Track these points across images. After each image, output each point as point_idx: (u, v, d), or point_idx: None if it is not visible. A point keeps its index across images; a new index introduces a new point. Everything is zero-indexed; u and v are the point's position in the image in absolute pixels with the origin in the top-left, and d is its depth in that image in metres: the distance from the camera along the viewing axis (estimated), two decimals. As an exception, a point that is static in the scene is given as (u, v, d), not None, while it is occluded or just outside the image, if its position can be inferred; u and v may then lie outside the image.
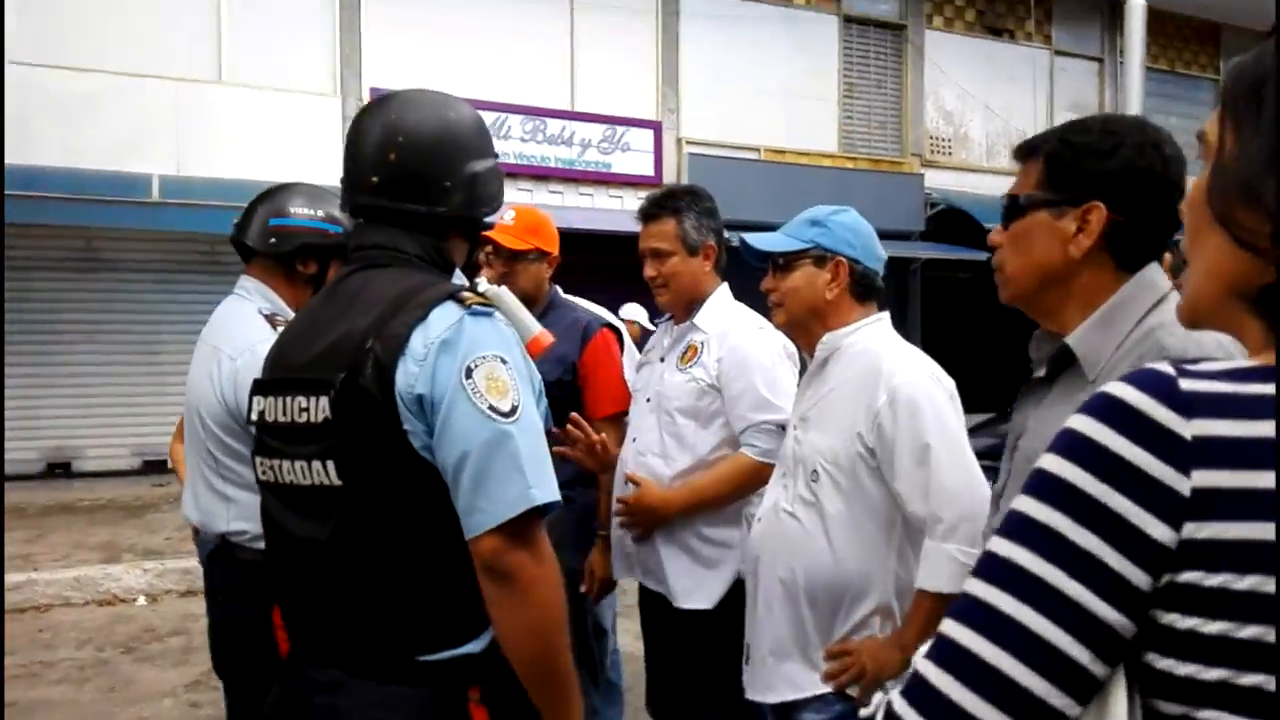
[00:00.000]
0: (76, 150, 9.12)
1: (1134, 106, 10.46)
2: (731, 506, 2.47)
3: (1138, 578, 0.64)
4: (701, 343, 2.51)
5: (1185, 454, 0.63)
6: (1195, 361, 0.68)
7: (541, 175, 11.31)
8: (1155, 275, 1.33)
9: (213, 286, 8.83)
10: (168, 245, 9.85)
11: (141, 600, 6.09)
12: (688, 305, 2.58)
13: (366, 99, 10.44)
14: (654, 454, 2.52)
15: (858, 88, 13.54)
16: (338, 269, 2.28)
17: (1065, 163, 1.33)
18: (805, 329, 2.11)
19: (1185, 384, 0.66)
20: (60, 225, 8.97)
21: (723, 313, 2.55)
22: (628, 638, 3.71)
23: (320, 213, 2.44)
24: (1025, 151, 1.40)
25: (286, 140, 10.06)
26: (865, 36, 13.59)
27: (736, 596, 2.30)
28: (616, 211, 11.42)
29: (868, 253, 2.10)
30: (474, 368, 1.35)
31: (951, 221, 13.08)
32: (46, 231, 9.11)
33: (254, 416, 1.54)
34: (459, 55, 10.90)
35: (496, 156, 1.65)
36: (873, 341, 2.03)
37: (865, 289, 2.09)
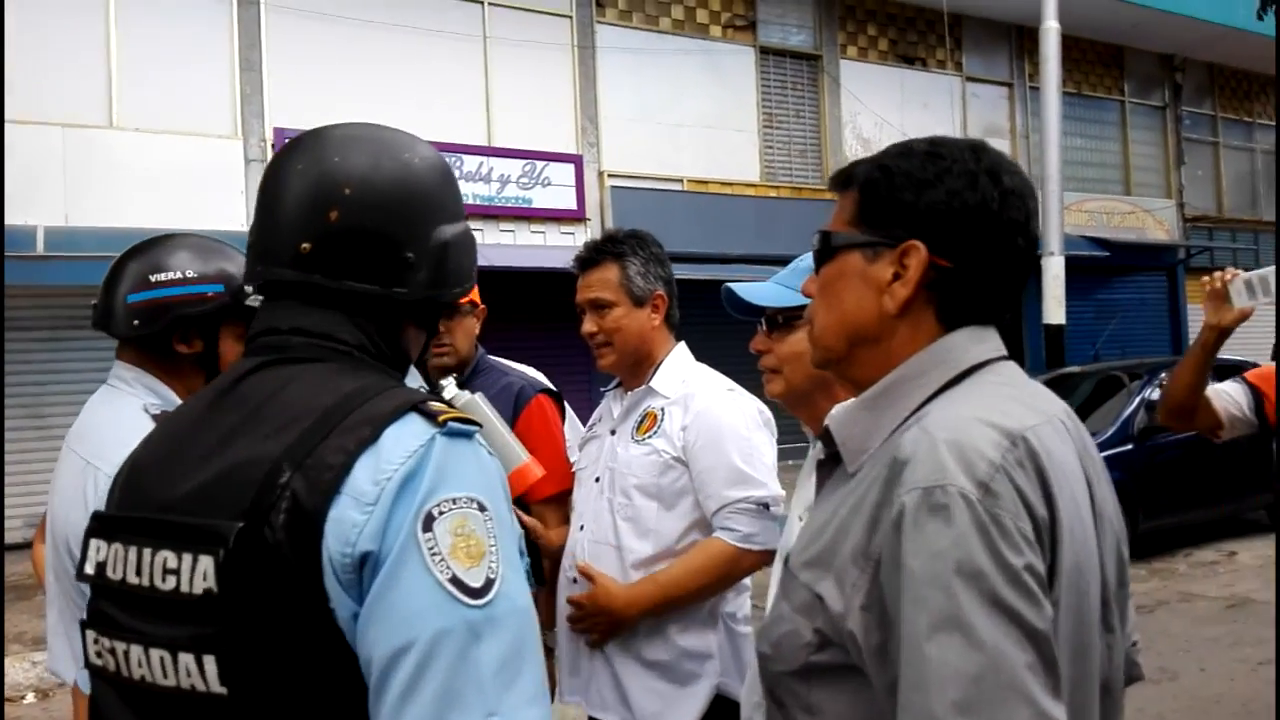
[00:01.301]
0: (-50, 201, 8.47)
1: (1051, 129, 10.58)
2: (705, 605, 2.09)
3: None
4: (661, 409, 2.15)
5: None
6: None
7: (459, 213, 10.92)
8: (962, 342, 1.05)
9: (104, 343, 8.08)
10: (55, 301, 9.18)
11: (30, 697, 5.46)
12: (634, 366, 2.22)
13: (270, 140, 10.01)
14: (608, 543, 2.12)
15: (777, 117, 13.54)
16: (233, 343, 1.81)
17: (881, 194, 1.07)
18: (809, 403, 1.70)
19: None
20: (-67, 282, 8.30)
21: (684, 374, 2.21)
22: None
23: (191, 272, 1.89)
24: (841, 181, 1.13)
25: (185, 186, 9.55)
26: (782, 67, 13.61)
27: None
28: (539, 247, 11.13)
29: None
30: (437, 515, 0.94)
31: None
32: (-81, 290, 8.42)
33: (88, 569, 1.05)
34: (368, 90, 10.50)
35: (466, 218, 1.24)
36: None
37: None
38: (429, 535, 0.93)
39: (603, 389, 2.35)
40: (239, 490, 0.96)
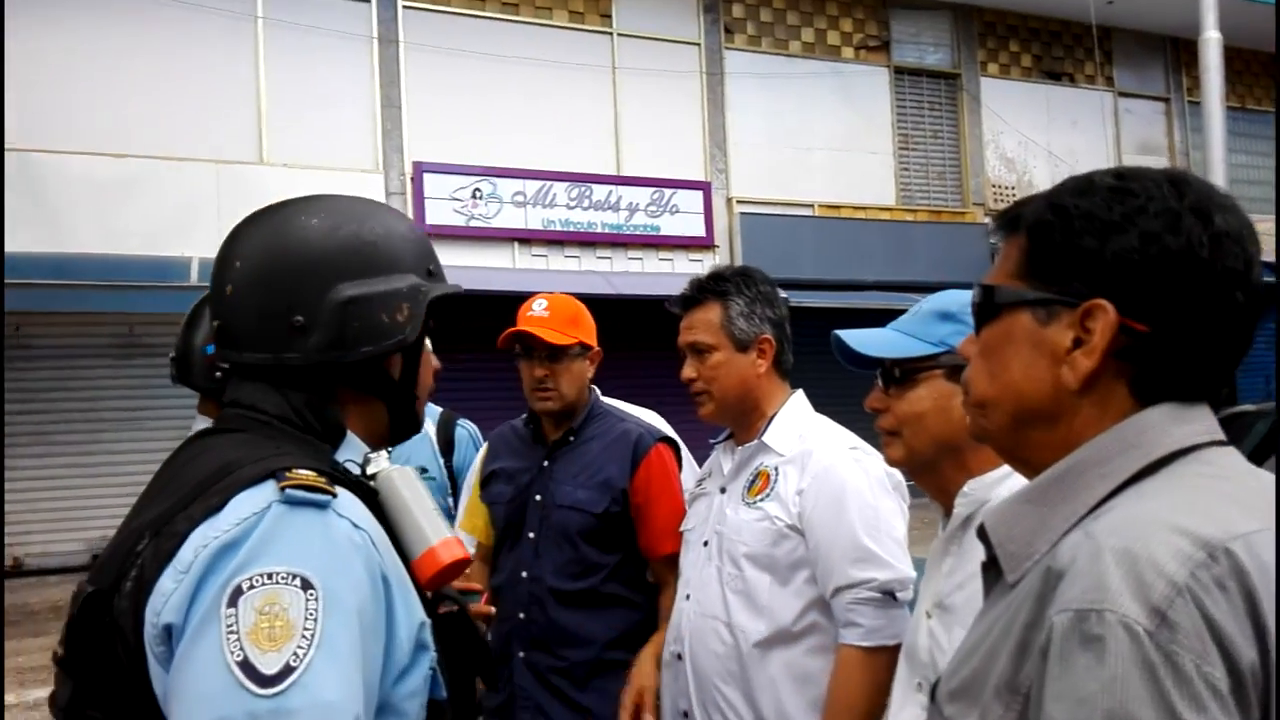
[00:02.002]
0: (115, 235, 9.02)
1: (1215, 146, 9.82)
2: None
3: None
4: (775, 468, 1.92)
5: None
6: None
7: (588, 241, 11.00)
8: (1160, 421, 0.82)
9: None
10: (210, 328, 9.66)
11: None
12: (741, 417, 2.02)
13: (409, 173, 10.30)
14: (716, 618, 1.90)
15: (913, 139, 13.11)
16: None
17: (1056, 240, 0.85)
18: (935, 472, 1.45)
19: None
20: (100, 312, 8.81)
21: (801, 428, 1.97)
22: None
23: None
24: (1007, 223, 0.92)
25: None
26: (918, 87, 13.19)
27: None
28: (667, 275, 11.06)
29: None
30: (246, 590, 0.87)
31: (1020, 272, 12.46)
32: (86, 319, 8.96)
33: None
34: (500, 124, 10.74)
35: (427, 274, 1.18)
36: None
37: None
38: (231, 611, 0.86)
39: (712, 440, 2.15)
40: (117, 557, 0.96)
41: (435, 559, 1.08)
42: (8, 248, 8.68)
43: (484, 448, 2.55)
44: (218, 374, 1.88)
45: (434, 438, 3.00)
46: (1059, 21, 13.90)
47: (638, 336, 10.42)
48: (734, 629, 1.87)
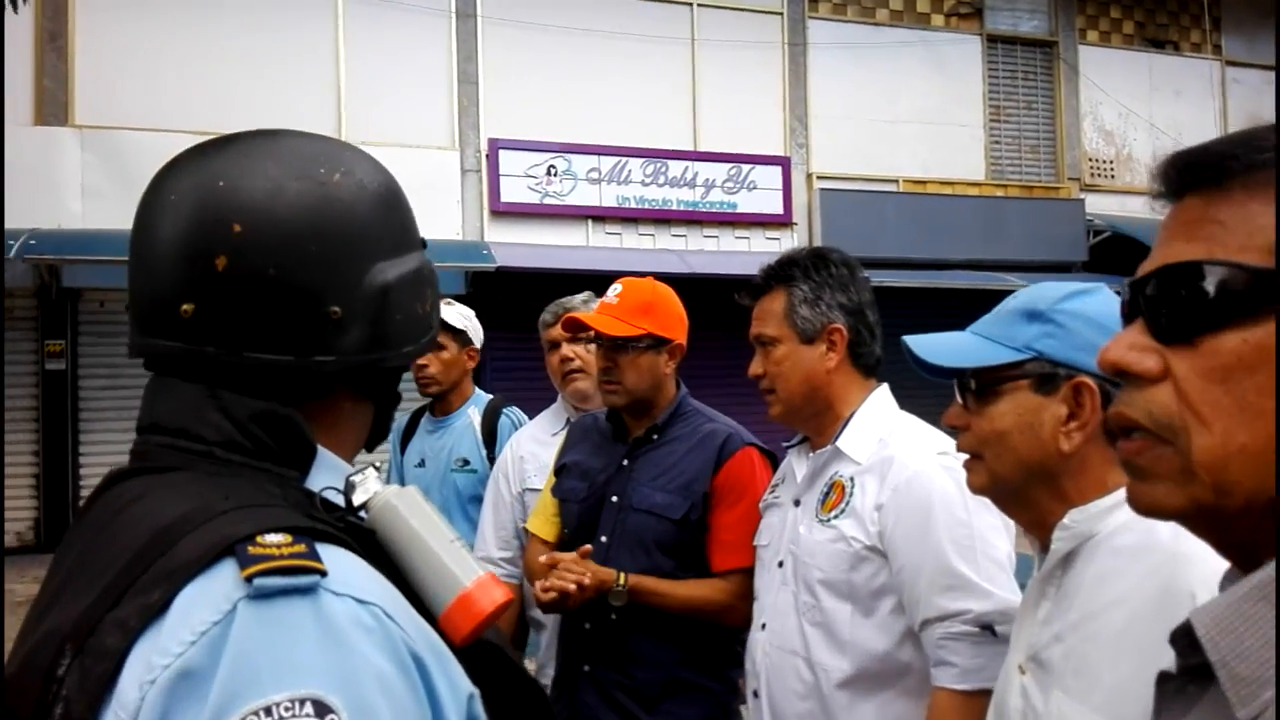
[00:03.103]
0: (199, 213, 9.14)
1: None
2: None
3: None
4: (851, 479, 1.67)
5: None
6: None
7: (663, 219, 10.79)
8: None
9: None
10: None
11: None
12: (814, 419, 1.77)
13: (484, 150, 10.22)
14: (795, 653, 1.67)
15: (1005, 110, 12.53)
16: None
17: None
18: (1025, 500, 1.21)
19: None
20: (183, 289, 8.96)
21: (881, 430, 1.72)
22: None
23: None
24: (1207, 169, 0.63)
25: (407, 194, 9.88)
26: (1012, 56, 12.59)
27: None
28: (743, 253, 10.80)
29: None
30: None
31: (1118, 249, 11.85)
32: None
33: None
34: (576, 99, 10.59)
35: (423, 245, 0.95)
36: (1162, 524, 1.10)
37: None
38: None
39: (785, 444, 1.92)
40: (31, 681, 0.69)
41: (472, 609, 0.80)
42: (94, 224, 8.90)
43: (532, 447, 2.40)
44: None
45: (478, 427, 2.85)
46: (1164, -15, 13.14)
47: (712, 317, 10.16)
48: (814, 666, 1.64)
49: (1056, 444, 1.15)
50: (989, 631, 1.49)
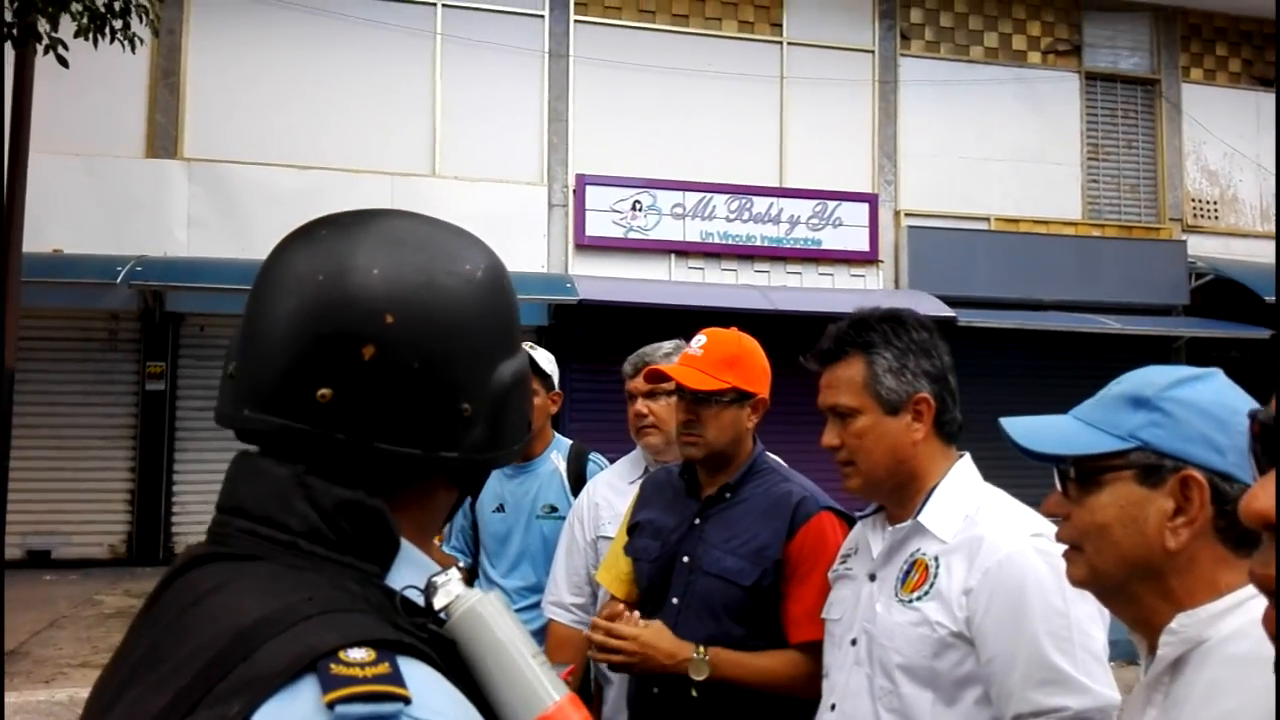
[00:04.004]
0: (295, 244, 9.44)
1: None
2: None
3: None
4: (935, 558, 1.57)
5: None
6: None
7: (747, 254, 10.75)
8: None
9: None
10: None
11: None
12: (896, 491, 1.67)
13: (572, 185, 10.35)
14: None
15: (1104, 149, 12.19)
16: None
17: None
18: (1128, 597, 1.13)
19: None
20: (277, 316, 9.21)
21: (968, 506, 1.62)
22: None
23: None
24: None
25: (495, 230, 10.07)
26: (1111, 93, 12.27)
27: None
28: (827, 290, 10.68)
29: (1243, 458, 1.07)
30: None
31: (1221, 293, 11.37)
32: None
33: None
34: (662, 135, 10.70)
35: (523, 346, 0.95)
36: None
37: (1244, 530, 1.09)
38: None
39: (858, 514, 1.83)
40: None
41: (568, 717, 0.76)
42: (198, 252, 9.28)
43: (616, 496, 2.37)
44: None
45: (564, 473, 2.80)
46: (1272, 23, 12.64)
47: (793, 354, 10.03)
48: None
49: (1162, 540, 1.07)
50: None
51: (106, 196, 9.08)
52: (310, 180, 9.65)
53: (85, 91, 8.47)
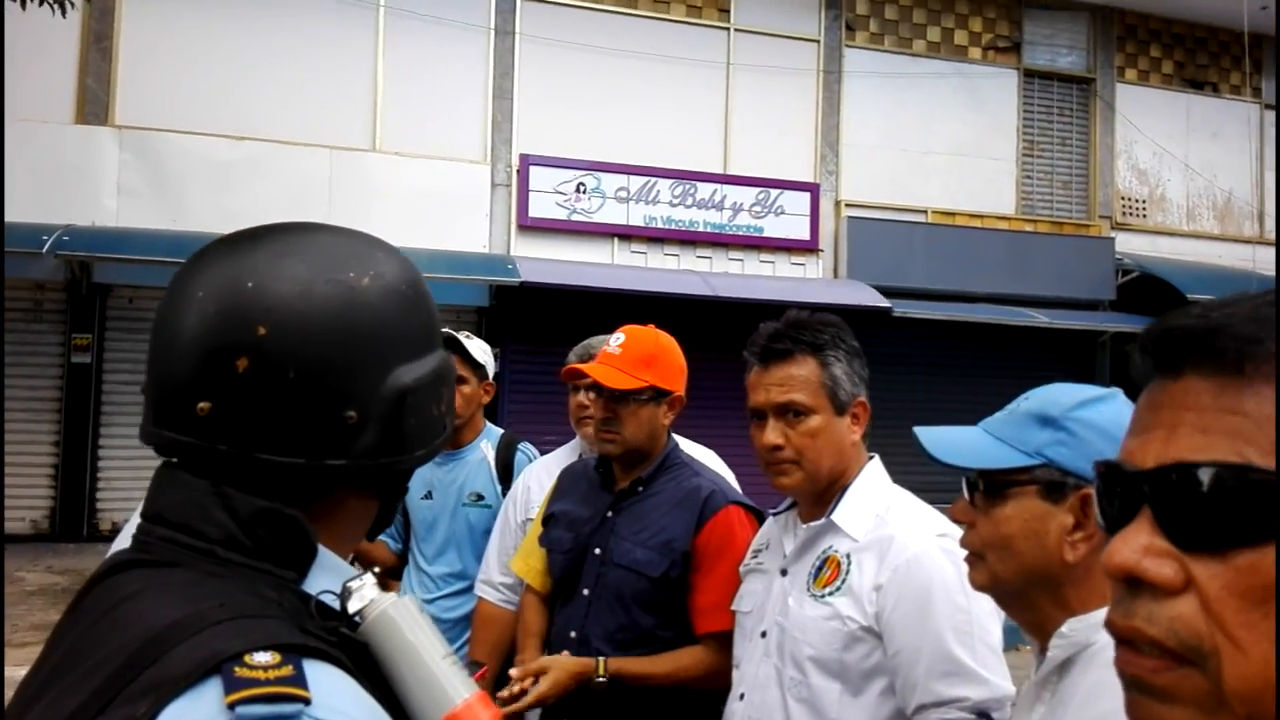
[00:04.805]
0: (231, 215, 9.20)
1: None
2: None
3: None
4: (847, 556, 1.63)
5: None
6: None
7: (689, 240, 10.80)
8: None
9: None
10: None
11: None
12: (823, 492, 1.72)
13: (515, 165, 10.28)
14: None
15: (1039, 145, 12.47)
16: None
17: None
18: (1025, 603, 1.20)
19: None
20: (211, 290, 8.98)
21: (878, 505, 1.68)
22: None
23: None
24: (1223, 355, 0.55)
25: (437, 208, 9.99)
26: (1048, 91, 12.54)
27: None
28: (767, 278, 10.78)
29: None
30: None
31: (1146, 290, 11.74)
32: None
33: None
34: (608, 118, 10.67)
35: (443, 343, 0.95)
36: None
37: None
38: None
39: (770, 511, 1.87)
40: None
41: (476, 716, 0.80)
42: (128, 223, 9.02)
43: (546, 481, 2.40)
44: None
45: (492, 462, 2.82)
46: (1205, 27, 13.03)
47: (732, 340, 10.12)
48: None
49: (1060, 553, 1.14)
50: (984, 718, 1.49)
51: (34, 163, 8.77)
52: (246, 151, 9.43)
53: (13, 55, 8.14)
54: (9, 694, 0.83)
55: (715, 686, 1.94)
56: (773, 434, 1.70)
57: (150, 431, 0.84)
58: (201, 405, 0.80)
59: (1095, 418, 1.18)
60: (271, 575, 0.79)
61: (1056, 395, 1.22)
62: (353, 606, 0.81)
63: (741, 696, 1.72)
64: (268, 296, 0.81)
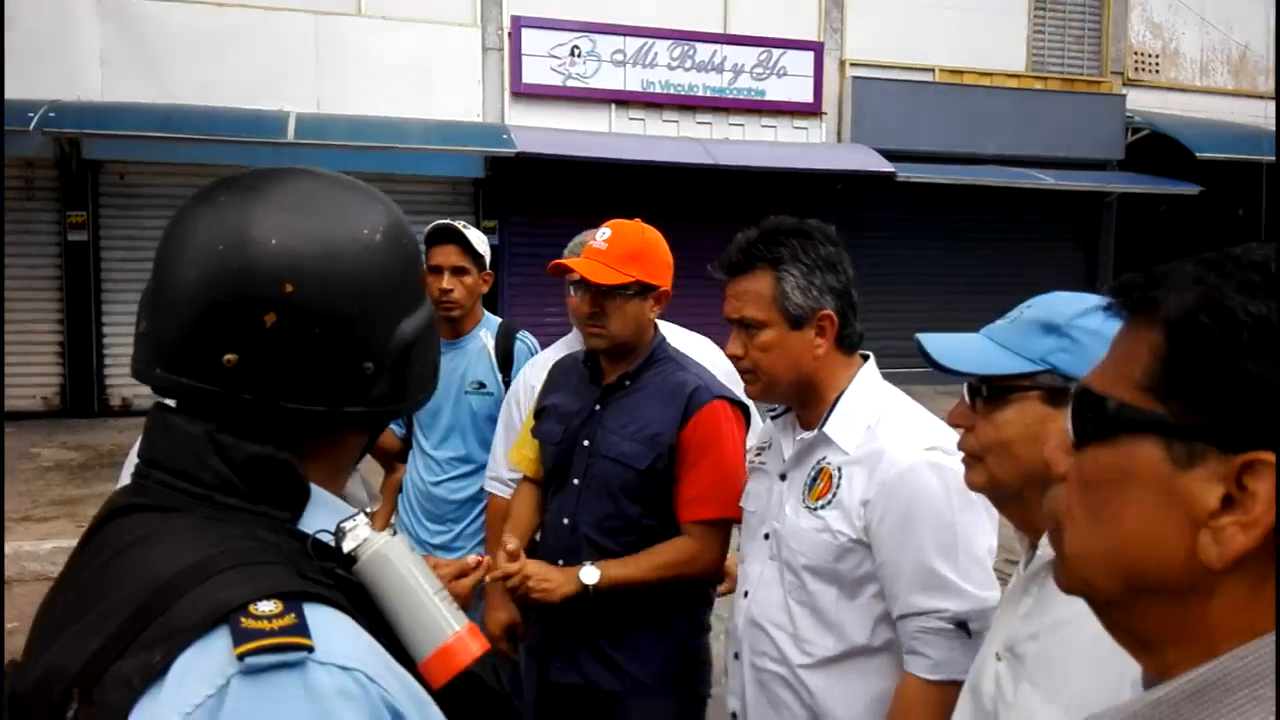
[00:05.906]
0: (213, 88, 8.98)
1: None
2: None
3: None
4: (839, 469, 1.66)
5: None
6: None
7: (689, 105, 10.53)
8: None
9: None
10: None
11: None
12: (799, 397, 1.74)
13: (507, 28, 9.93)
14: (781, 628, 1.70)
15: (1050, -1, 12.01)
16: None
17: (1211, 354, 0.59)
18: (1020, 503, 1.26)
19: None
20: (195, 164, 8.79)
21: (870, 417, 1.69)
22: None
23: None
24: (1133, 303, 0.66)
25: (425, 74, 9.71)
26: (1062, -61, 11.98)
27: None
28: (769, 144, 10.57)
29: None
30: None
31: (1155, 149, 11.52)
32: (187, 169, 8.98)
33: None
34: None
35: (426, 297, 0.99)
36: None
37: None
38: None
39: (770, 413, 1.89)
40: (42, 713, 0.74)
41: (450, 661, 0.84)
42: (113, 96, 8.79)
43: (544, 376, 2.42)
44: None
45: (492, 351, 2.84)
46: None
47: (733, 208, 10.05)
48: (799, 642, 1.68)
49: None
50: (963, 628, 1.54)
51: (10, 35, 8.48)
52: (228, 19, 9.11)
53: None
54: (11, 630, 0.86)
55: (700, 575, 2.03)
56: (734, 345, 1.75)
57: (159, 376, 0.86)
58: (229, 357, 0.83)
59: (1099, 325, 1.19)
60: (268, 517, 0.84)
61: (1060, 304, 1.24)
62: (347, 546, 0.86)
63: (746, 594, 1.79)
64: (291, 254, 0.84)
